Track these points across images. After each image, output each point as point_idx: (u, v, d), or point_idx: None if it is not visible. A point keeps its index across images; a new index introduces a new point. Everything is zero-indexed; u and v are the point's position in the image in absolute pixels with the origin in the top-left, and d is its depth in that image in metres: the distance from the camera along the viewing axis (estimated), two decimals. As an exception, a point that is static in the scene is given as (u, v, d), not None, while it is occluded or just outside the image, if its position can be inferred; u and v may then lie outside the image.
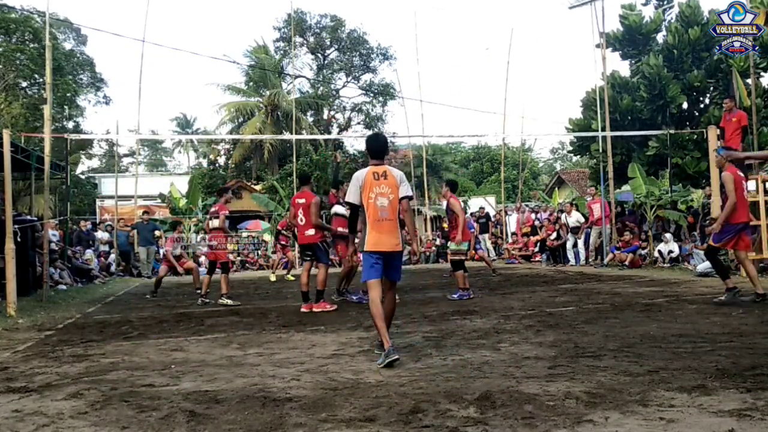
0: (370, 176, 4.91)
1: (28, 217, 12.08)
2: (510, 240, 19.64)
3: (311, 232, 8.28)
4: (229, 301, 9.13)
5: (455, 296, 8.73)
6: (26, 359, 5.23)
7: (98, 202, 29.04)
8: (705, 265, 11.02)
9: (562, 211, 16.98)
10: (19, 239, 9.31)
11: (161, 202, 25.77)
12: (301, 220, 8.35)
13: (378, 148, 5.04)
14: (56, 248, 13.74)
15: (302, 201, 8.36)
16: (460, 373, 4.12)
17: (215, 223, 9.33)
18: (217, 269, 9.42)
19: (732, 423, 2.88)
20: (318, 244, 8.34)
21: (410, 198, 4.96)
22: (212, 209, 9.76)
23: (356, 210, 5.01)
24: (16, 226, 9.15)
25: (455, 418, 3.10)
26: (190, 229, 21.36)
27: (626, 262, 13.64)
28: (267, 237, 21.62)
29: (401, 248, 4.89)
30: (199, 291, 9.79)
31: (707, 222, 11.90)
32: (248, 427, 3.11)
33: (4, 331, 6.97)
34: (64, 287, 12.41)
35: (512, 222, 20.01)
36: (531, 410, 3.19)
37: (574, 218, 15.67)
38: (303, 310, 7.97)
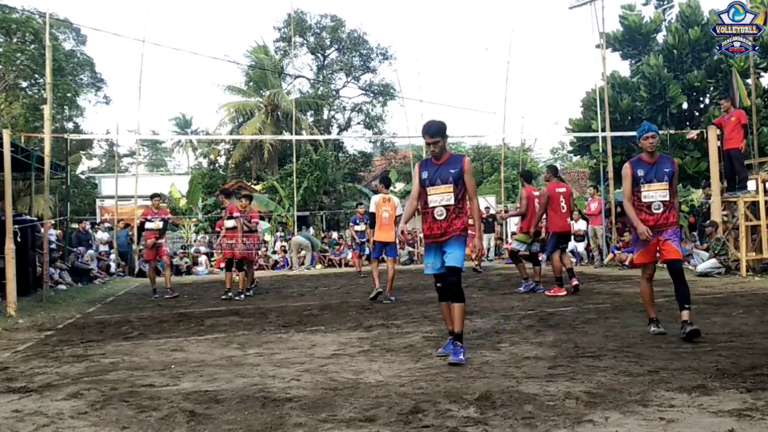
0: (381, 200, 8.74)
1: (28, 217, 12.07)
2: (510, 240, 19.62)
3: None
4: (240, 296, 9.90)
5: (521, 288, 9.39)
6: (26, 359, 5.23)
7: (98, 202, 29.04)
8: (705, 265, 11.02)
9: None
10: (19, 239, 9.30)
11: (161, 202, 25.76)
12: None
13: (388, 184, 9.22)
14: (56, 248, 13.74)
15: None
16: (460, 373, 4.12)
17: (230, 223, 10.13)
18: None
19: (732, 423, 2.88)
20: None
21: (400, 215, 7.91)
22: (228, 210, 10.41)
23: (373, 217, 8.80)
24: (16, 226, 9.15)
25: (455, 418, 3.11)
26: (190, 229, 21.36)
27: (626, 262, 13.63)
28: (267, 237, 21.62)
29: (394, 240, 8.62)
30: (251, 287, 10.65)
31: (708, 223, 11.89)
32: (248, 427, 3.12)
33: (4, 331, 6.97)
34: (64, 287, 12.40)
35: (512, 222, 20.00)
36: (531, 410, 3.19)
37: (579, 226, 15.70)
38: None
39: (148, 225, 10.64)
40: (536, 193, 9.32)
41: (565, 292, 8.62)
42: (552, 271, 9.06)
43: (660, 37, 18.81)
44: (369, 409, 3.34)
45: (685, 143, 16.95)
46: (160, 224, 10.65)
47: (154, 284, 10.98)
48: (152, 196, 11.08)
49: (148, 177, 34.72)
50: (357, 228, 14.21)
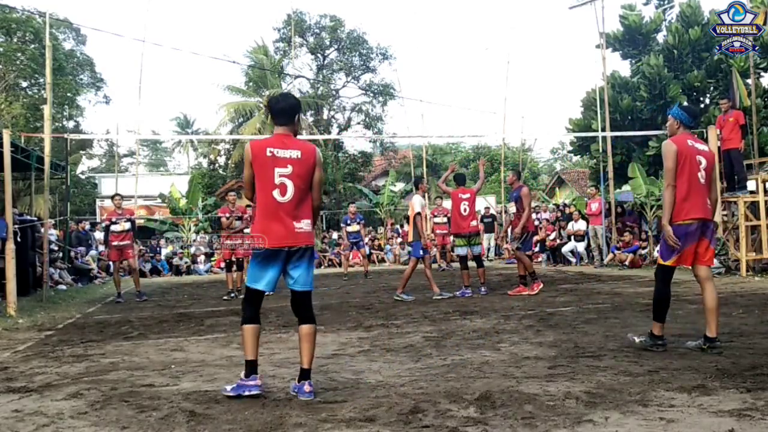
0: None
1: (28, 217, 12.07)
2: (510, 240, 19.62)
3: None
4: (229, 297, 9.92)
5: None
6: (26, 359, 5.23)
7: (98, 202, 29.06)
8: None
9: (562, 212, 17.00)
10: (19, 239, 9.30)
11: (161, 202, 25.75)
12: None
13: (415, 184, 9.58)
14: (56, 248, 13.74)
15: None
16: (460, 373, 4.12)
17: (237, 223, 10.09)
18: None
19: (732, 423, 2.88)
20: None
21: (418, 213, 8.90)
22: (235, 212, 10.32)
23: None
24: (16, 226, 9.15)
25: (455, 418, 3.10)
26: (190, 229, 21.33)
27: (626, 262, 13.64)
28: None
29: (411, 239, 9.13)
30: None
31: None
32: (248, 427, 3.11)
33: (4, 331, 6.97)
34: (64, 287, 12.41)
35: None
36: (531, 410, 3.19)
37: (579, 226, 15.68)
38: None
39: (114, 227, 10.19)
40: (465, 196, 9.25)
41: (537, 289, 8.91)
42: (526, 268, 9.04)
43: (660, 37, 18.80)
44: (369, 409, 3.34)
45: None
46: (126, 225, 10.21)
47: (119, 287, 10.47)
48: (113, 196, 10.66)
49: (148, 177, 34.70)
50: (349, 228, 14.05)
